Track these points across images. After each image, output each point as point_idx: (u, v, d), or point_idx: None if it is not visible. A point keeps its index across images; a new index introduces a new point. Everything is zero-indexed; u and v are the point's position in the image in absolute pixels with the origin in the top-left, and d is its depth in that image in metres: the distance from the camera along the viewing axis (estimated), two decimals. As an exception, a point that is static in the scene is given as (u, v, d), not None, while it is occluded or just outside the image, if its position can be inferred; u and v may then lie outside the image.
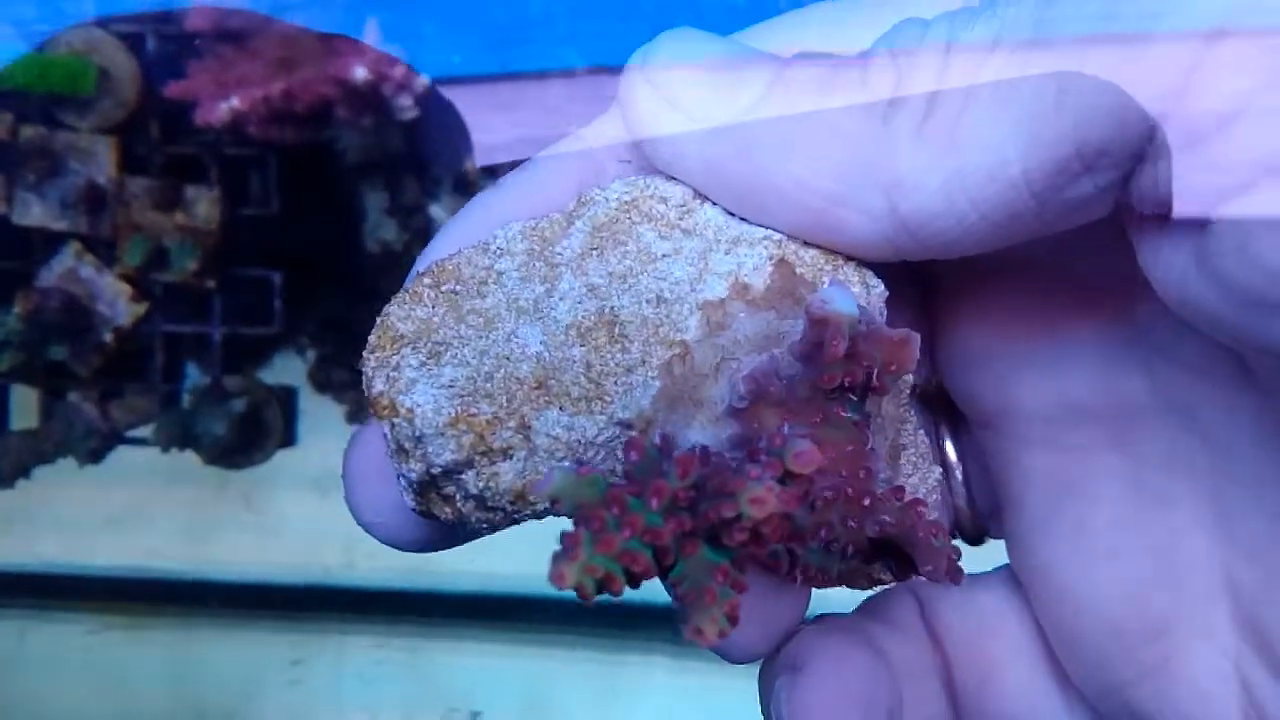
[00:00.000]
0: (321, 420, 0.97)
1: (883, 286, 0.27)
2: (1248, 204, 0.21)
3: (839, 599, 0.29)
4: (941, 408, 0.33)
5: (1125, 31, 0.21)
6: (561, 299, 0.26)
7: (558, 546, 0.21)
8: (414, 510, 0.27)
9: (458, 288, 0.27)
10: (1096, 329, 0.29)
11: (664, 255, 0.26)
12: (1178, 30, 0.21)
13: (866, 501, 0.25)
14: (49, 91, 0.88)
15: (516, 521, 0.26)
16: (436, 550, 0.29)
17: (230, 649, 0.95)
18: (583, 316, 0.26)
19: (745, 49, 0.26)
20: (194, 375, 0.97)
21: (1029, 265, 0.29)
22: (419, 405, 0.25)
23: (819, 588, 0.28)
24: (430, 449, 0.25)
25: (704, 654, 0.24)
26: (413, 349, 0.26)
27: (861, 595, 0.31)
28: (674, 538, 0.22)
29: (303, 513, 0.94)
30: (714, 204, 0.26)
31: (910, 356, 0.25)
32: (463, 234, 0.27)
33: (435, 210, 0.92)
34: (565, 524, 0.22)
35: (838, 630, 0.29)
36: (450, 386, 0.26)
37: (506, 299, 0.26)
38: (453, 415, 0.25)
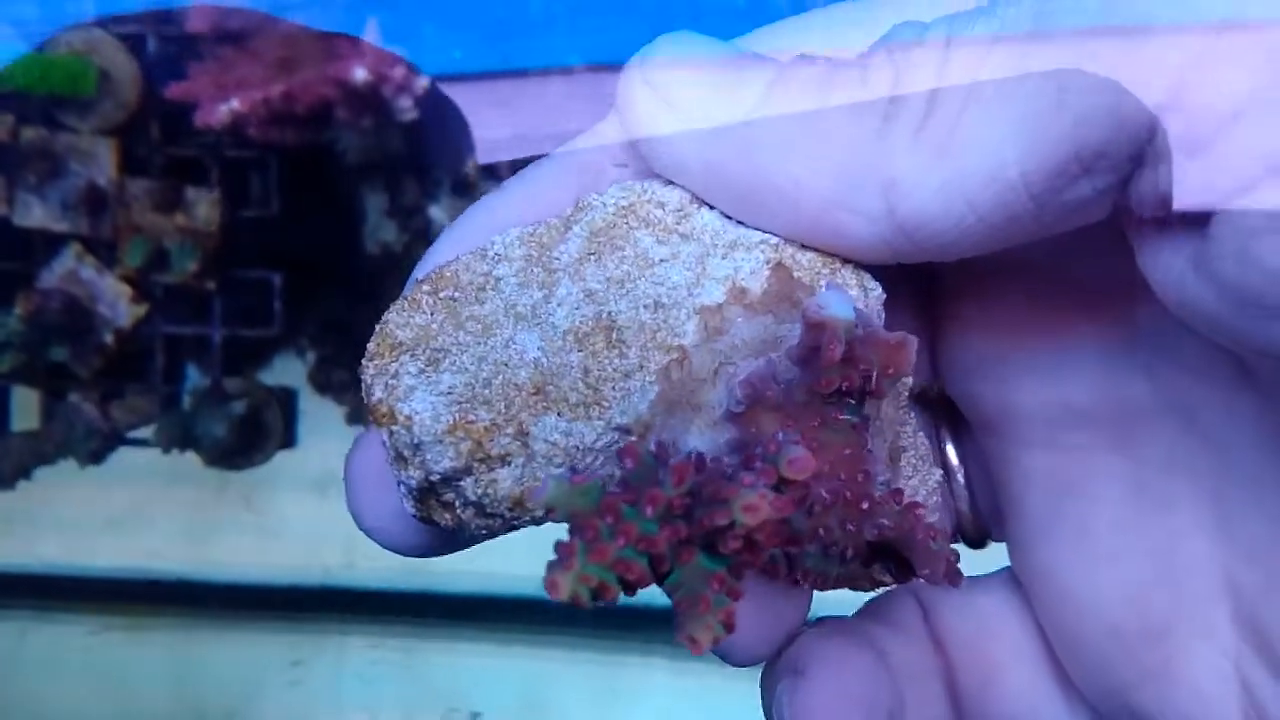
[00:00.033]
0: (321, 421, 0.97)
1: (881, 290, 0.27)
2: (1248, 204, 0.20)
3: (841, 600, 0.29)
4: (943, 411, 0.33)
5: (1125, 28, 0.21)
6: (559, 305, 0.26)
7: (553, 556, 0.21)
8: (414, 516, 0.27)
9: (456, 294, 0.26)
10: (1096, 331, 0.29)
11: (661, 260, 0.26)
12: (1177, 30, 0.21)
13: (864, 505, 0.25)
14: (49, 93, 0.88)
15: (516, 528, 0.26)
16: (437, 555, 0.29)
17: (230, 650, 0.95)
18: (580, 322, 0.26)
19: (744, 51, 0.26)
20: (194, 376, 0.97)
21: (1029, 268, 0.28)
22: (417, 412, 0.25)
23: (818, 590, 0.28)
24: (429, 456, 0.25)
25: (704, 655, 0.24)
26: (411, 356, 0.26)
27: (864, 597, 0.31)
28: (669, 545, 0.22)
29: (303, 514, 0.94)
30: (711, 208, 0.26)
31: (907, 359, 0.24)
32: (463, 239, 0.27)
33: (435, 212, 0.92)
34: (566, 527, 0.22)
35: (839, 633, 0.29)
36: (449, 393, 0.25)
37: (504, 305, 0.26)
38: (451, 422, 0.25)
